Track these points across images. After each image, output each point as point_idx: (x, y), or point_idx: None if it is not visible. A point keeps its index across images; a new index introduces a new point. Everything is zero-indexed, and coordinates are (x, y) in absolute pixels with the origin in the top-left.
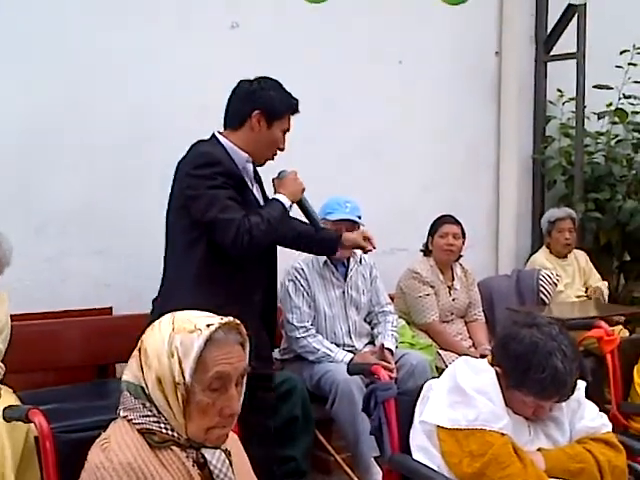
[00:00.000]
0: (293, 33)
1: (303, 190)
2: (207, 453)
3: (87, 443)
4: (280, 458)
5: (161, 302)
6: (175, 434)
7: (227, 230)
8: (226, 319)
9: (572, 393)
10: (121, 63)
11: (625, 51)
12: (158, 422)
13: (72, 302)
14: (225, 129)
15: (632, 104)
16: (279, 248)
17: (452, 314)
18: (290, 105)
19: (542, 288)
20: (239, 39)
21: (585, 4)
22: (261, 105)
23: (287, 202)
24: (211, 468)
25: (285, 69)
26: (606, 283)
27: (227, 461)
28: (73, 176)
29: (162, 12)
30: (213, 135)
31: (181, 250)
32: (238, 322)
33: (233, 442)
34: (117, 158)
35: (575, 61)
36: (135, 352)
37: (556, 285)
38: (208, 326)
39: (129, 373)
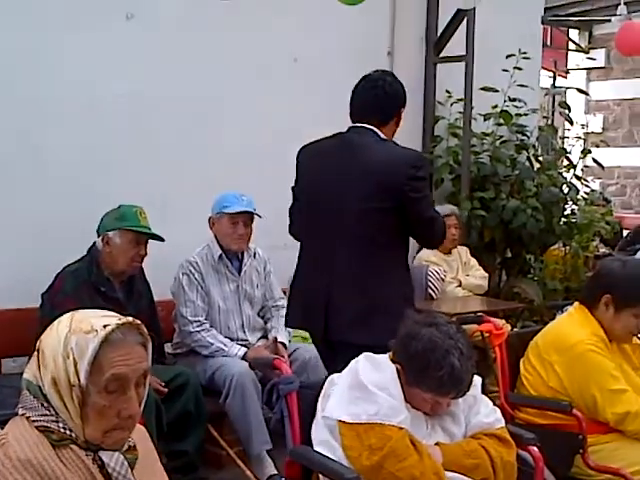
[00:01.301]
0: (189, 26)
1: None
2: (104, 455)
3: None
4: (172, 453)
5: (360, 296)
6: (73, 434)
7: (440, 226)
8: (124, 319)
9: (468, 389)
10: (10, 58)
11: (511, 55)
12: (56, 421)
13: None
14: (368, 122)
15: (516, 107)
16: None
17: None
18: None
19: (430, 284)
20: (134, 30)
21: (474, 8)
22: (403, 100)
23: None
24: (109, 471)
25: (180, 63)
26: (487, 275)
27: (126, 463)
28: None
29: (53, 3)
30: (368, 129)
31: (382, 247)
32: (139, 322)
33: (140, 435)
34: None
35: (464, 63)
36: (35, 351)
37: (443, 280)
38: (105, 327)
39: (29, 371)
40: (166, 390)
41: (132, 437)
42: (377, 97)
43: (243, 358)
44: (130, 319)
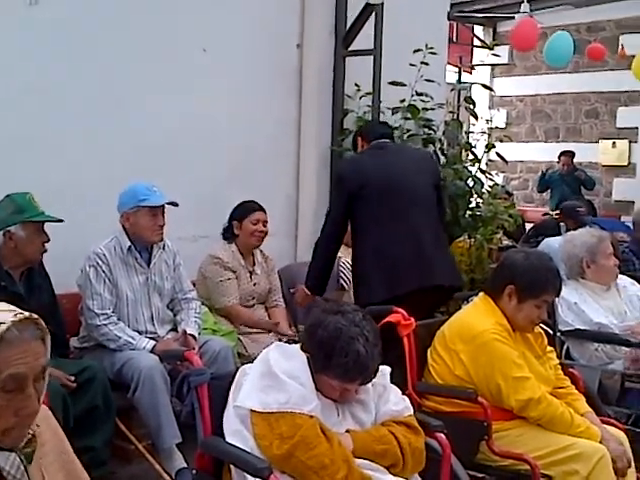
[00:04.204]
0: (95, 12)
1: None
2: (0, 458)
3: None
4: (79, 448)
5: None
6: None
7: None
8: (21, 315)
9: (374, 376)
10: None
11: (418, 50)
12: None
13: None
14: (385, 138)
15: (423, 101)
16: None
17: (253, 299)
18: None
19: (342, 275)
20: (33, 22)
21: (382, 3)
22: None
23: None
24: (4, 474)
25: (86, 51)
26: None
27: (22, 467)
28: None
29: None
30: (388, 142)
31: (436, 216)
32: (36, 316)
33: (45, 418)
34: None
35: (372, 57)
36: None
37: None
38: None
39: None
40: (75, 385)
41: (32, 427)
42: (388, 128)
43: (152, 351)
44: (27, 314)
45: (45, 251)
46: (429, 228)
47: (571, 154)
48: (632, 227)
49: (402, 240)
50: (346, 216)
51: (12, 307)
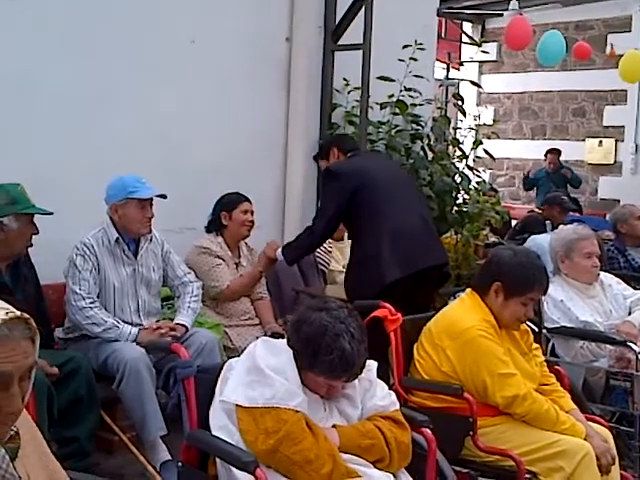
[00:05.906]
0: (75, 9)
1: None
2: None
3: None
4: (63, 439)
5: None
6: None
7: None
8: (12, 314)
9: (361, 372)
10: None
11: (407, 46)
12: None
13: None
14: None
15: (412, 97)
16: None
17: None
18: None
19: (319, 258)
20: (16, 12)
21: None
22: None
23: None
24: None
25: (71, 42)
26: None
27: (7, 457)
28: None
29: None
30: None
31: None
32: (27, 316)
33: (24, 422)
34: None
35: (361, 52)
36: None
37: (330, 252)
38: None
39: None
40: (57, 371)
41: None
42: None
43: (137, 339)
44: (18, 313)
45: (31, 245)
46: (428, 214)
47: (557, 152)
48: (612, 226)
49: (413, 221)
50: (344, 212)
51: (4, 305)
